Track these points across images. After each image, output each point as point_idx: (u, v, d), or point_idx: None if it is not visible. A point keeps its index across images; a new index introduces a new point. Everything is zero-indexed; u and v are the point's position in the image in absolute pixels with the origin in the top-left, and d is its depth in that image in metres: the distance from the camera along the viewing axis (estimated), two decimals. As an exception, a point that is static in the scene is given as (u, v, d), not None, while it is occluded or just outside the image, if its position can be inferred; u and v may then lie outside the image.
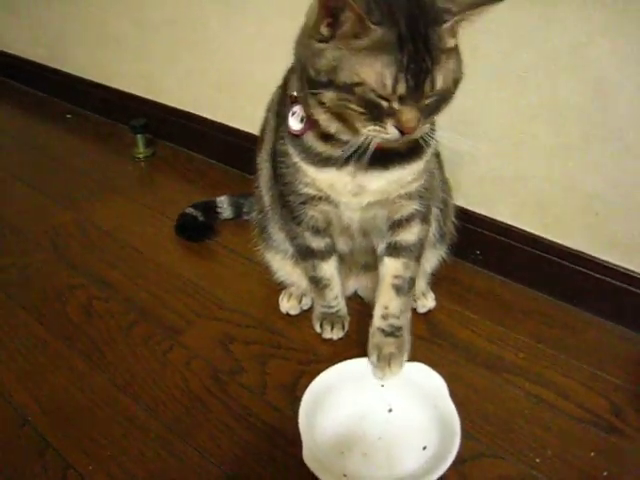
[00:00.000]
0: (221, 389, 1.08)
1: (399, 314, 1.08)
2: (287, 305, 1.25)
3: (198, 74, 1.83)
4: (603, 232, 1.21)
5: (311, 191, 0.98)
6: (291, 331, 1.22)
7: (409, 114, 0.76)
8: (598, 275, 1.22)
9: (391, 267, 1.06)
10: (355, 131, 0.82)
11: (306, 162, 0.94)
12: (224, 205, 1.55)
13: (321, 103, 0.81)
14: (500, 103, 1.23)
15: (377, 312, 1.09)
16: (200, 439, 0.99)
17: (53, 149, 2.05)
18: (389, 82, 0.73)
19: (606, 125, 1.12)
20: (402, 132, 0.77)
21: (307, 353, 1.16)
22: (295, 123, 0.92)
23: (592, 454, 0.96)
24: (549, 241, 1.27)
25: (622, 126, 1.10)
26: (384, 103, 0.76)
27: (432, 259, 1.20)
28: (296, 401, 1.02)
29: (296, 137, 0.94)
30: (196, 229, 1.50)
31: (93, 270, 1.40)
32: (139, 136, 1.91)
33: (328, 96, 0.79)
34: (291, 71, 0.95)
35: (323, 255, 1.09)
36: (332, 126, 0.86)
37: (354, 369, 1.03)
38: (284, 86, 1.00)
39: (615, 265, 1.21)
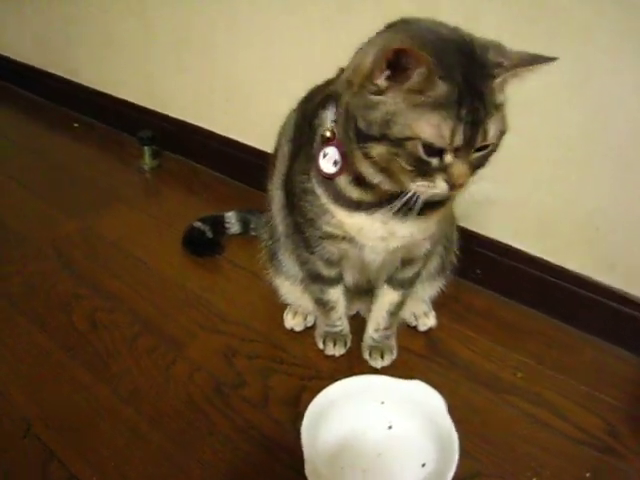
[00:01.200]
0: (224, 402, 1.10)
1: (390, 327, 1.18)
2: (292, 322, 1.26)
3: (205, 87, 1.86)
4: (602, 254, 1.23)
5: (335, 231, 0.96)
6: (294, 346, 1.23)
7: (461, 169, 0.75)
8: (596, 296, 1.25)
9: (389, 296, 1.12)
10: (401, 184, 0.80)
11: (336, 205, 0.92)
12: (232, 220, 1.56)
13: (368, 156, 0.79)
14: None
15: (370, 326, 1.19)
16: (202, 451, 1.00)
17: (59, 157, 2.07)
18: (447, 134, 0.72)
19: (604, 146, 1.14)
20: (451, 187, 0.76)
21: (309, 369, 1.17)
22: (328, 166, 0.89)
23: (588, 474, 0.98)
24: (548, 262, 1.29)
25: (622, 144, 1.13)
26: (434, 160, 0.74)
27: (431, 290, 1.23)
28: (298, 416, 1.03)
29: (327, 179, 0.91)
30: (204, 245, 1.52)
31: (98, 280, 1.42)
32: (146, 147, 1.94)
33: (377, 150, 0.77)
34: (320, 105, 0.92)
35: (332, 282, 1.11)
36: (376, 178, 0.83)
37: (355, 386, 1.04)
38: (301, 113, 1.00)
39: (613, 287, 1.23)
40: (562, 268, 1.28)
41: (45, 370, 1.17)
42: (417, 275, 1.10)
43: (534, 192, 1.26)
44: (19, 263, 1.48)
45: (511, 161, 1.24)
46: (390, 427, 1.03)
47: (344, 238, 0.97)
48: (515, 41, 1.10)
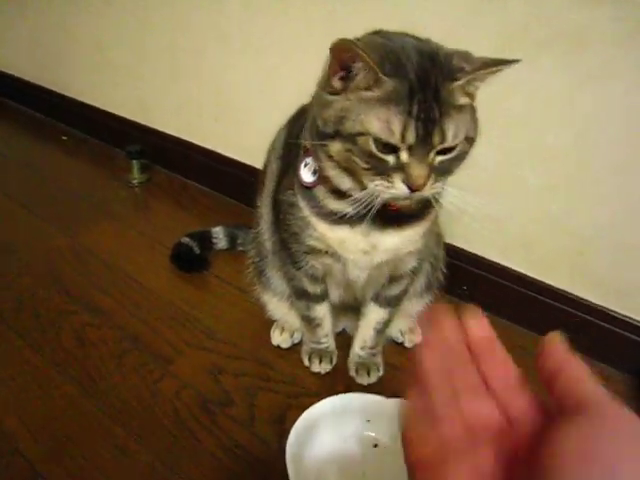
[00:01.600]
0: (210, 420, 1.10)
1: (377, 345, 1.19)
2: (279, 338, 1.27)
3: (194, 102, 1.87)
4: (586, 272, 1.25)
5: (318, 245, 0.97)
6: (280, 364, 1.24)
7: (418, 169, 0.74)
8: (581, 314, 1.26)
9: (376, 314, 1.13)
10: (362, 184, 0.80)
11: (317, 217, 0.93)
12: (220, 236, 1.57)
13: (329, 156, 0.81)
14: (489, 146, 1.25)
15: (357, 344, 1.20)
16: (188, 470, 1.01)
17: (48, 171, 2.07)
18: (397, 129, 0.72)
19: (589, 169, 1.16)
20: (411, 189, 0.75)
21: (295, 386, 1.18)
22: (307, 175, 0.91)
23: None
24: (534, 279, 1.31)
25: (604, 170, 1.15)
26: (389, 158, 0.75)
27: (418, 306, 1.23)
28: (284, 434, 1.04)
29: (308, 189, 0.92)
30: (191, 261, 1.52)
31: (86, 296, 1.42)
32: (134, 162, 1.94)
33: (334, 148, 0.79)
34: (303, 120, 0.94)
35: (317, 299, 1.12)
36: (344, 182, 0.84)
37: (340, 404, 1.05)
38: (290, 130, 1.02)
39: (598, 305, 1.25)
40: (547, 285, 1.30)
41: (33, 386, 1.17)
42: (404, 292, 1.11)
43: (520, 210, 1.28)
44: (8, 277, 1.48)
45: (497, 177, 1.27)
46: (376, 445, 1.03)
47: (327, 252, 0.99)
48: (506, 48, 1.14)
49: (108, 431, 1.08)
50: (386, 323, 1.15)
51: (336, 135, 0.77)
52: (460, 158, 0.80)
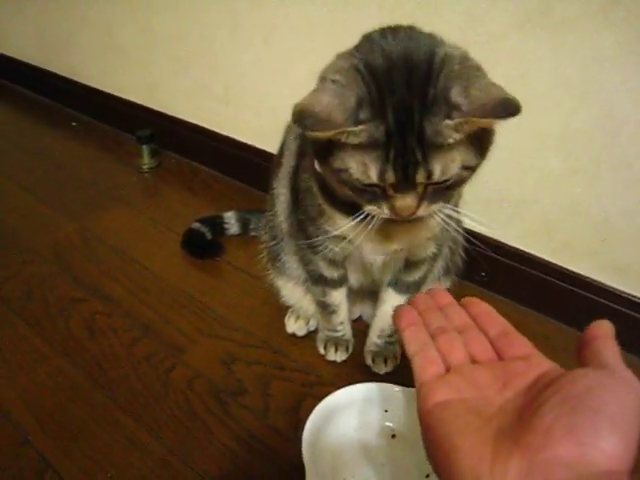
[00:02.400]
0: (223, 410, 1.07)
1: (394, 333, 1.14)
2: (294, 326, 1.24)
3: (205, 85, 1.83)
4: (610, 258, 1.20)
5: (331, 229, 0.93)
6: (294, 352, 1.21)
7: (402, 201, 0.71)
8: (603, 300, 1.22)
9: (395, 301, 1.07)
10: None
11: (332, 207, 0.89)
12: (231, 221, 1.53)
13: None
14: (509, 127, 1.22)
15: (374, 332, 1.16)
16: (202, 462, 0.98)
17: (57, 157, 2.04)
18: (374, 174, 0.68)
19: (615, 152, 1.11)
20: (399, 216, 0.73)
21: (310, 375, 1.15)
22: (319, 166, 0.86)
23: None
24: (555, 265, 1.27)
25: (631, 153, 1.10)
26: (375, 190, 0.71)
27: None
28: (299, 424, 1.01)
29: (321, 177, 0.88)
30: (203, 247, 1.49)
31: (96, 284, 1.39)
32: (145, 147, 1.91)
33: (324, 171, 0.76)
34: None
35: (335, 284, 1.08)
36: (340, 189, 0.80)
37: (357, 394, 1.01)
38: None
39: (621, 292, 1.20)
40: (569, 271, 1.25)
41: (43, 376, 1.15)
42: (424, 279, 1.07)
43: (541, 194, 1.24)
44: (17, 266, 1.46)
45: (517, 160, 1.23)
46: (393, 436, 1.00)
47: (345, 238, 0.94)
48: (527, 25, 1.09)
49: (118, 422, 1.05)
50: None
51: (323, 162, 0.74)
52: (458, 184, 0.73)
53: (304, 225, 0.99)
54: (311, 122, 0.65)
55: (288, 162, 1.05)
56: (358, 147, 0.67)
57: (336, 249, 0.98)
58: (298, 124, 0.65)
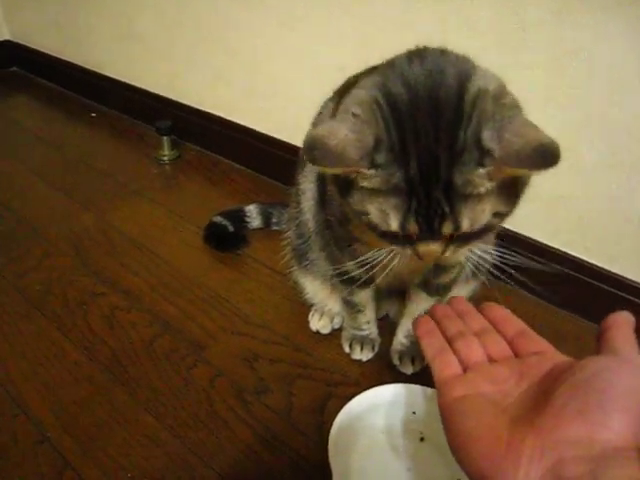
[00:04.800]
0: (246, 410, 1.04)
1: None
2: (319, 324, 1.20)
3: (226, 76, 1.80)
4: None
5: (360, 236, 0.89)
6: (318, 350, 1.17)
7: (426, 248, 0.66)
8: (639, 301, 1.18)
9: (424, 302, 1.05)
10: None
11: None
12: (253, 214, 1.50)
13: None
14: (543, 116, 1.17)
15: (401, 332, 1.13)
16: (224, 463, 0.95)
17: (76, 148, 2.02)
18: (394, 224, 0.63)
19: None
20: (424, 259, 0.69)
21: (335, 374, 1.12)
22: None
23: None
24: (589, 264, 1.22)
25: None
26: (397, 234, 0.65)
27: (464, 292, 1.15)
28: (323, 425, 0.99)
29: None
30: (227, 239, 1.46)
31: (115, 277, 1.37)
32: (165, 138, 1.88)
33: (346, 208, 0.72)
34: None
35: (362, 284, 1.04)
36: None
37: (384, 396, 0.98)
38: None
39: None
40: (605, 271, 1.21)
41: (62, 372, 1.12)
42: (454, 281, 1.03)
43: (575, 189, 1.19)
44: (36, 258, 1.44)
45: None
46: (422, 439, 0.97)
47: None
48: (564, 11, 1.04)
49: (139, 420, 1.03)
50: None
51: (343, 198, 0.68)
52: (488, 230, 0.67)
53: (332, 225, 0.96)
54: (320, 155, 0.60)
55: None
56: (376, 192, 0.62)
57: (363, 249, 0.94)
58: (306, 155, 0.60)
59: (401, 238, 0.66)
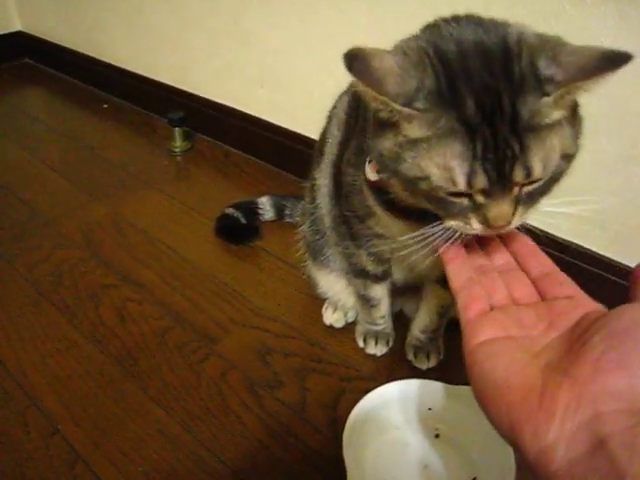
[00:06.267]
0: (258, 404, 1.03)
1: (438, 328, 1.10)
2: (332, 318, 1.19)
3: (238, 67, 1.78)
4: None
5: (382, 231, 0.86)
6: (332, 344, 1.16)
7: (497, 210, 0.58)
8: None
9: (441, 297, 1.03)
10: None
11: (382, 208, 0.79)
12: (266, 206, 1.48)
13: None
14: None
15: (417, 327, 1.11)
16: (236, 458, 0.94)
17: (88, 139, 2.01)
18: (461, 179, 0.56)
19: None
20: (492, 228, 0.60)
21: (349, 368, 1.10)
22: (372, 174, 0.75)
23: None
24: (609, 259, 1.20)
25: None
26: (461, 200, 0.59)
27: None
28: (337, 421, 0.97)
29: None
30: (239, 231, 1.44)
31: (126, 269, 1.36)
32: (177, 129, 1.87)
33: (394, 187, 0.65)
34: None
35: (377, 278, 1.02)
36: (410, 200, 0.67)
37: (400, 391, 0.96)
38: (356, 98, 0.86)
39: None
40: (623, 265, 1.18)
41: (72, 363, 1.12)
42: None
43: (594, 183, 1.16)
44: (47, 250, 1.43)
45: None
46: (437, 436, 0.95)
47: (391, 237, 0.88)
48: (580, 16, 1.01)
49: (150, 414, 1.01)
50: (450, 306, 1.04)
51: (395, 174, 0.61)
52: (556, 179, 0.62)
53: (349, 220, 0.93)
54: (358, 68, 0.56)
55: (331, 151, 0.98)
56: (434, 143, 0.57)
57: (384, 246, 0.92)
58: (345, 60, 0.56)
59: (465, 205, 0.60)
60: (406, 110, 0.56)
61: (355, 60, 0.55)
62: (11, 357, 1.13)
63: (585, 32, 1.06)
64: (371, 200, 0.81)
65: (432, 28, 0.63)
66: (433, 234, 0.64)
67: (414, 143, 0.57)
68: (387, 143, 0.60)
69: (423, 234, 0.65)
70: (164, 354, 1.13)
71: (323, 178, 1.01)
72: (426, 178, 0.58)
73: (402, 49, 0.60)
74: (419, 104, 0.56)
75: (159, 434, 0.98)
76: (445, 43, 0.59)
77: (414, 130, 0.57)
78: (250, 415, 1.01)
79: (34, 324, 1.21)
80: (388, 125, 0.60)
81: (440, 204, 0.61)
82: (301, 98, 1.63)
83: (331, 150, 0.97)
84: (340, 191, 0.93)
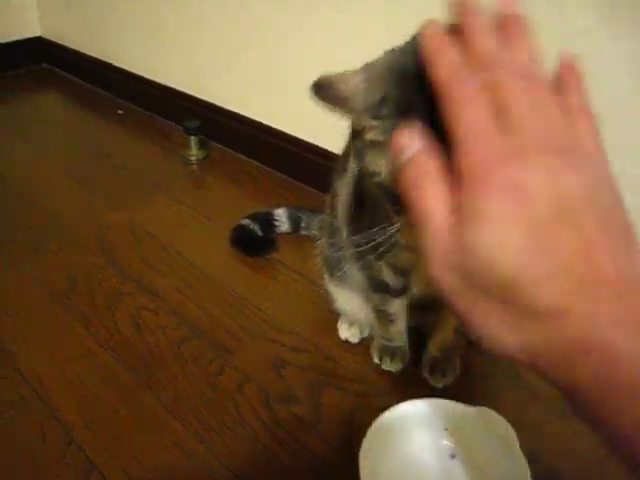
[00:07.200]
0: (273, 418, 1.03)
1: (454, 346, 1.10)
2: (348, 332, 1.18)
3: (256, 76, 1.79)
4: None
5: (403, 241, 0.86)
6: (347, 359, 1.15)
7: None
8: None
9: None
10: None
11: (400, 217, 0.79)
12: (282, 218, 1.48)
13: None
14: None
15: (434, 343, 1.11)
16: (250, 473, 0.94)
17: (104, 145, 2.02)
18: None
19: None
20: None
21: (364, 384, 1.10)
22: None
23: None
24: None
25: None
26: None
27: None
28: (352, 437, 0.96)
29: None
30: (255, 243, 1.44)
31: (142, 277, 1.36)
32: (192, 138, 1.87)
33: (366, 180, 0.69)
34: None
35: (396, 293, 1.02)
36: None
37: (415, 410, 0.96)
38: None
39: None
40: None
41: (88, 372, 1.12)
42: None
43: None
44: (63, 256, 1.44)
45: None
46: (453, 456, 0.95)
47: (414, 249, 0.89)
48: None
49: (165, 425, 1.02)
50: None
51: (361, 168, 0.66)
52: None
53: (368, 228, 0.93)
54: (325, 95, 0.58)
55: (353, 167, 0.98)
56: (382, 144, 0.60)
57: (405, 258, 0.92)
58: (312, 90, 0.59)
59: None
60: (373, 122, 0.58)
61: (321, 88, 0.59)
62: (27, 363, 1.13)
63: (611, 52, 1.06)
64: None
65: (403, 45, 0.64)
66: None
67: (372, 145, 0.61)
68: (359, 143, 0.64)
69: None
70: (180, 365, 1.13)
71: (344, 194, 1.01)
72: (378, 174, 0.62)
73: (368, 65, 0.62)
74: (384, 113, 0.58)
75: (175, 447, 0.98)
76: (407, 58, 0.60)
77: (375, 135, 0.59)
78: (265, 429, 1.01)
79: (49, 331, 1.21)
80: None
81: (394, 206, 0.65)
82: (318, 111, 1.63)
83: (353, 165, 0.97)
84: (360, 202, 0.94)
